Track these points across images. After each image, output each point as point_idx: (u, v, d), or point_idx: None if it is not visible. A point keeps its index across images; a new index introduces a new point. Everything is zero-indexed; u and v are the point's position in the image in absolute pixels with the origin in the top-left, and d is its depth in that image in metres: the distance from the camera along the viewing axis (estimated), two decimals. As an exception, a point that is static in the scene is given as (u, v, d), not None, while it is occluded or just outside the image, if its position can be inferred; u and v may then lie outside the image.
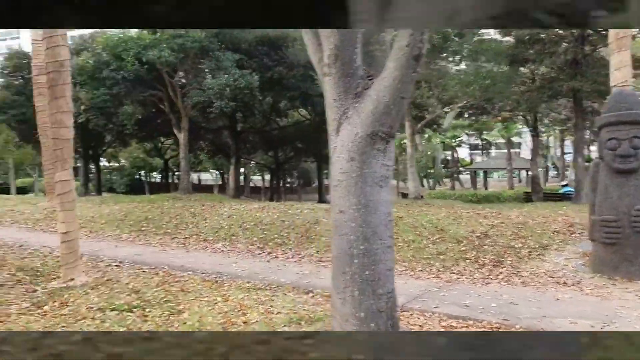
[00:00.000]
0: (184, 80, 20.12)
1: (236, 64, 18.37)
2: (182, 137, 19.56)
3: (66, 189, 8.42)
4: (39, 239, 11.35)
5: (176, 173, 42.12)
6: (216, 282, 7.58)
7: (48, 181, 16.50)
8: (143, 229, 12.40)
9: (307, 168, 41.83)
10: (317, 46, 4.23)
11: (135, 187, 47.32)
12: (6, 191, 40.14)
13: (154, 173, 56.69)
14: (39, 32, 16.87)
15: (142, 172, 53.81)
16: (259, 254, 9.93)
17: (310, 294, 6.88)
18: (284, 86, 20.41)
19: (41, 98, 16.30)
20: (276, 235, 10.84)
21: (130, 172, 49.86)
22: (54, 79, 8.35)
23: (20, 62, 24.83)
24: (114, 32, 17.88)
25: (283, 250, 10.00)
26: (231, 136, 22.75)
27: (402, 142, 30.83)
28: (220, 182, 47.84)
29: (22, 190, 40.40)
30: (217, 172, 51.16)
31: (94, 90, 18.66)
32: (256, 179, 52.26)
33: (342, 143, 4.00)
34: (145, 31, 17.22)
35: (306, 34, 4.39)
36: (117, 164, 48.79)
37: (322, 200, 26.59)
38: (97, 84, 18.12)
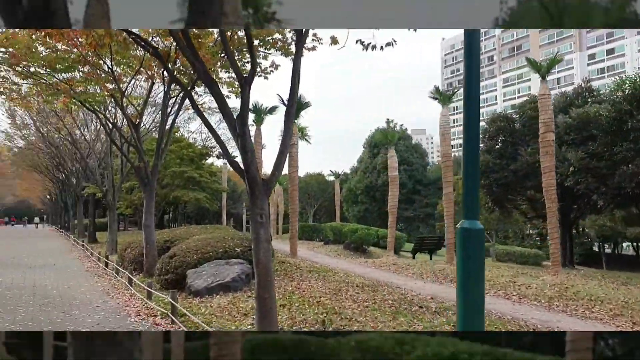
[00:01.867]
0: None
1: None
2: None
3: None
4: (565, 324, 9.12)
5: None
6: None
7: (553, 252, 14.58)
8: None
9: None
10: None
11: (588, 259, 41.97)
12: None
13: (606, 243, 49.42)
14: (546, 88, 15.57)
15: (598, 242, 47.64)
16: None
17: None
18: None
19: (548, 158, 14.77)
20: None
21: (585, 242, 45.09)
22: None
23: (501, 125, 24.87)
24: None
25: None
26: None
27: None
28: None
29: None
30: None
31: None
32: None
33: None
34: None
35: None
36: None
37: None
38: (614, 139, 15.22)
